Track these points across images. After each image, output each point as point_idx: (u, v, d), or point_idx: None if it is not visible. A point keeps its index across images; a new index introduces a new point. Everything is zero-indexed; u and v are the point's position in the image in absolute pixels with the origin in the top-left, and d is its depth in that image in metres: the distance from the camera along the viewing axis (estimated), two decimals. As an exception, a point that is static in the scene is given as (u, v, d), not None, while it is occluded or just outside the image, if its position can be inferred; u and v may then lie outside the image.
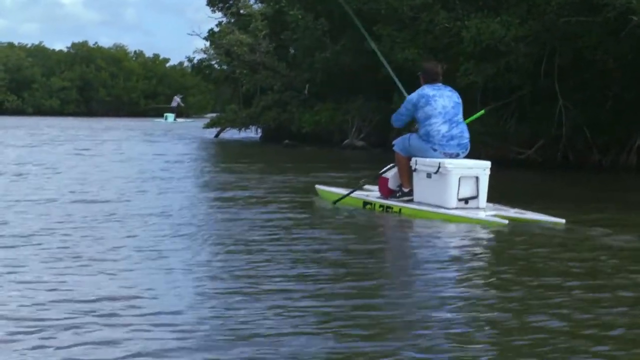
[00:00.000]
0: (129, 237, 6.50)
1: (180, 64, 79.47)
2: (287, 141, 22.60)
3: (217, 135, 28.06)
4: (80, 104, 70.36)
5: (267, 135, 27.88)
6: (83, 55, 72.64)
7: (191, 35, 26.74)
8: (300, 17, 22.48)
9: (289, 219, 7.71)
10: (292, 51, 25.36)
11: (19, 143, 20.98)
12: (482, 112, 9.32)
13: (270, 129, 26.54)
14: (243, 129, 26.69)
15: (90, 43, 75.10)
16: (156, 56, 79.03)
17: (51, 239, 6.24)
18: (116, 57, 73.51)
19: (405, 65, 15.99)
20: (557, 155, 15.65)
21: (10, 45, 71.30)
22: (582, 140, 15.36)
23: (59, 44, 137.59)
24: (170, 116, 47.22)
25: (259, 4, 24.98)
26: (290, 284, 4.92)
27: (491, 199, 8.27)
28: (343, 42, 21.33)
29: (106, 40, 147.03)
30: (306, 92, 23.19)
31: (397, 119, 8.59)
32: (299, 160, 17.69)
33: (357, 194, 8.76)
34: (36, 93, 68.07)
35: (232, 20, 26.44)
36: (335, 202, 8.66)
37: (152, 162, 14.75)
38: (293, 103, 24.27)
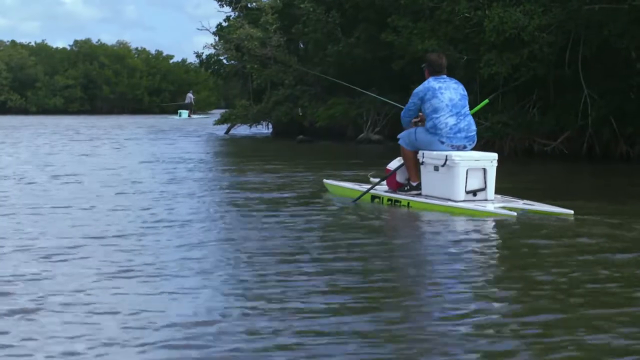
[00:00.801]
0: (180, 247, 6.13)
1: (184, 60, 79.39)
2: (301, 137, 22.23)
3: (227, 132, 27.72)
4: (84, 102, 70.04)
5: (278, 130, 27.57)
6: (86, 52, 72.29)
7: (200, 30, 26.73)
8: (311, 9, 22.11)
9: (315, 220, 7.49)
10: (301, 45, 25.03)
11: (44, 143, 20.69)
12: (486, 101, 9.22)
13: (280, 124, 26.22)
14: (255, 124, 26.32)
15: (92, 40, 74.76)
16: (159, 53, 78.70)
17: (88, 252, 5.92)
18: (119, 54, 73.15)
19: (425, 57, 15.64)
20: (583, 146, 15.28)
21: (13, 43, 70.97)
22: (608, 131, 14.98)
23: (60, 42, 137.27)
24: (184, 113, 47.77)
25: (269, -2, 24.53)
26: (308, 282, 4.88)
27: (514, 191, 8.21)
28: (357, 35, 20.94)
29: (107, 38, 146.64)
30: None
31: (406, 115, 8.53)
32: (317, 156, 17.33)
33: (366, 187, 8.78)
34: (39, 92, 67.74)
35: (241, 15, 26.05)
36: (355, 200, 8.54)
37: (176, 164, 14.30)
38: (305, 97, 23.91)
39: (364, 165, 12.91)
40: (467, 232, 6.81)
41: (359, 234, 6.66)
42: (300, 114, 23.24)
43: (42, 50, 71.52)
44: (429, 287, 4.93)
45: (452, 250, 6.03)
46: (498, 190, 8.13)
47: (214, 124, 27.94)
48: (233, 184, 10.60)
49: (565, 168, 14.01)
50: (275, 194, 9.45)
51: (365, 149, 19.86)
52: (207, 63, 27.87)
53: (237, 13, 27.20)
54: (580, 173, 13.48)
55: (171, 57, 78.50)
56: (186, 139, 23.63)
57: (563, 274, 5.06)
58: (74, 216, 7.54)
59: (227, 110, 29.12)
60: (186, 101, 51.25)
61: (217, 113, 34.27)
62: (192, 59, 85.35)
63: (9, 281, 4.87)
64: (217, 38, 25.94)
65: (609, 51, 14.56)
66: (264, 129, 28.04)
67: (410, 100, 8.38)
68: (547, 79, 15.40)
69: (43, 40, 73.99)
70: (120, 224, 7.03)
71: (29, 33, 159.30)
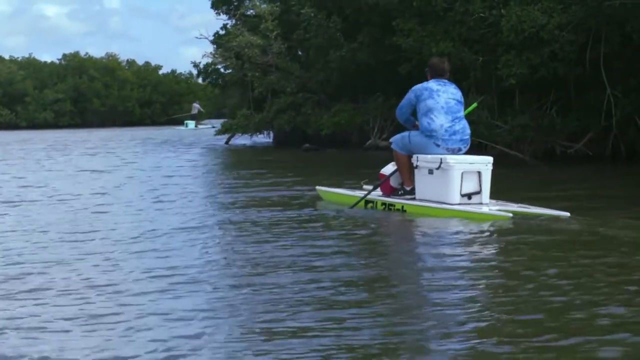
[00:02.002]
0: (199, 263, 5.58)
1: (174, 71, 78.75)
2: (307, 145, 21.63)
3: (227, 142, 27.10)
4: (74, 115, 69.27)
5: (280, 139, 26.96)
6: (75, 66, 71.57)
7: (199, 38, 25.87)
8: (312, 15, 21.52)
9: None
10: (299, 52, 24.42)
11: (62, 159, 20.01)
12: (475, 105, 9.15)
13: (282, 133, 25.64)
14: (256, 134, 25.71)
15: (80, 54, 74.03)
16: (148, 64, 78.03)
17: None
18: (109, 67, 72.46)
19: (428, 61, 15.08)
20: (608, 147, 14.75)
21: (1, 58, 70.14)
22: (633, 130, 14.47)
23: (46, 56, 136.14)
24: (191, 123, 48.21)
25: (267, 4, 23.88)
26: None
27: (535, 196, 8.21)
28: (361, 39, 20.37)
29: (92, 50, 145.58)
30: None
31: (401, 110, 8.51)
32: (327, 165, 16.78)
33: (358, 192, 8.74)
34: (29, 106, 66.92)
35: (237, 22, 25.46)
36: (352, 207, 8.45)
37: (185, 178, 13.69)
38: (308, 105, 23.33)
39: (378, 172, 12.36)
40: (462, 235, 6.74)
41: (353, 240, 6.58)
42: None
43: (30, 65, 70.68)
44: (425, 293, 4.79)
45: (449, 253, 5.95)
46: (526, 199, 7.98)
47: (215, 134, 27.29)
48: (245, 200, 9.78)
49: (594, 170, 13.46)
50: (293, 211, 8.78)
51: (375, 155, 19.23)
52: (205, 72, 27.22)
53: (234, 21, 26.62)
54: (605, 175, 12.97)
55: (160, 67, 77.87)
56: (188, 151, 22.99)
57: (560, 275, 4.98)
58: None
59: (226, 120, 28.47)
60: (192, 112, 51.79)
61: (216, 123, 33.75)
62: (181, 69, 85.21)
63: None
64: (215, 47, 25.28)
65: (631, 48, 14.06)
66: (264, 137, 27.42)
67: (406, 96, 8.37)
68: (568, 79, 14.86)
69: (30, 54, 73.10)
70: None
71: (13, 48, 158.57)
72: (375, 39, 20.23)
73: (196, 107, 51.66)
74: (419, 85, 8.30)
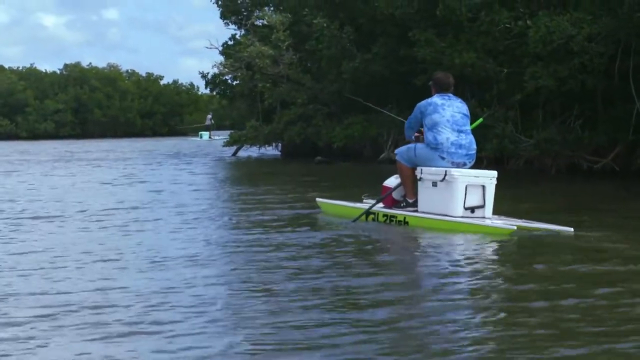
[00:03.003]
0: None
1: (175, 82, 78.47)
2: (319, 158, 21.17)
3: (234, 154, 26.65)
4: (75, 126, 68.92)
5: (288, 151, 26.52)
6: (76, 76, 71.26)
7: (209, 48, 25.37)
8: (325, 25, 21.11)
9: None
10: (308, 64, 23.98)
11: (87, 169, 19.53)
12: (481, 120, 9.11)
13: (290, 145, 25.21)
14: (265, 146, 25.26)
15: (82, 64, 73.73)
16: (150, 74, 77.77)
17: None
18: (110, 77, 72.16)
19: (465, 72, 14.69)
20: (635, 162, 14.31)
21: (1, 68, 69.76)
22: (663, 145, 14.05)
23: (44, 66, 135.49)
24: (205, 134, 49.20)
25: (277, 14, 23.43)
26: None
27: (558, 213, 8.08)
28: (376, 50, 19.96)
29: (91, 61, 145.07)
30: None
31: (408, 128, 8.52)
32: (342, 178, 16.30)
33: (359, 205, 8.67)
34: (30, 117, 66.54)
35: (247, 33, 25.03)
36: (354, 220, 8.32)
37: (202, 192, 13.22)
38: (318, 117, 22.90)
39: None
40: (465, 248, 6.71)
41: (356, 252, 6.50)
42: None
43: (31, 75, 70.35)
44: (428, 306, 4.69)
45: (452, 266, 5.89)
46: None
47: (223, 146, 26.84)
48: (258, 220, 9.27)
49: (617, 186, 12.97)
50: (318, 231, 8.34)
51: (389, 169, 18.63)
52: (213, 83, 26.77)
53: (242, 31, 26.22)
54: (631, 191, 12.49)
55: (161, 78, 77.60)
56: (197, 163, 22.53)
57: (562, 290, 4.94)
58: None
59: (233, 131, 28.03)
60: (206, 123, 52.90)
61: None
62: (180, 80, 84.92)
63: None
64: (224, 57, 24.82)
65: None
66: (273, 149, 26.96)
67: (412, 114, 8.36)
68: (595, 91, 14.44)
69: (32, 64, 72.70)
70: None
71: (10, 58, 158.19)
72: (390, 50, 19.83)
73: (209, 118, 52.61)
74: (423, 102, 8.26)
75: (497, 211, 7.96)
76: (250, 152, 27.13)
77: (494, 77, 14.78)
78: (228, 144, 25.84)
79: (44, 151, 33.87)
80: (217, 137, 46.89)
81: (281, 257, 6.20)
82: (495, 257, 6.42)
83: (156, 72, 79.02)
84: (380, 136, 21.01)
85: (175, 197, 11.58)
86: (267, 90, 22.92)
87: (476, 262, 6.07)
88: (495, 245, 6.84)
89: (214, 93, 28.27)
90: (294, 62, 22.50)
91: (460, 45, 15.16)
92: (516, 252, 6.57)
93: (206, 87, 27.05)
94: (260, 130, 24.10)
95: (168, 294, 4.99)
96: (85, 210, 9.85)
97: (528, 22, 14.00)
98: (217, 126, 53.07)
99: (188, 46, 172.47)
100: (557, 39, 13.19)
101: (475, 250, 6.68)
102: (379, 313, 4.44)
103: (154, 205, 10.34)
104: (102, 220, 8.82)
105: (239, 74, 23.54)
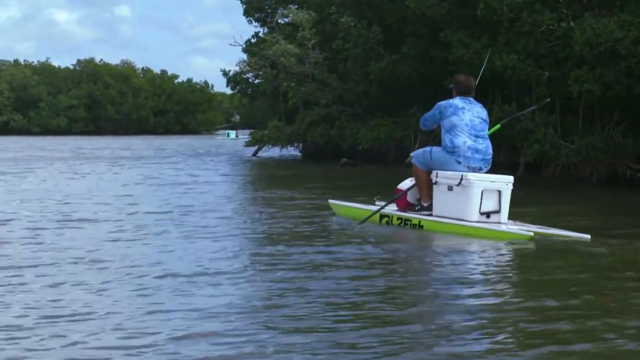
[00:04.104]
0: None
1: (189, 80, 78.11)
2: (344, 160, 20.68)
3: (255, 154, 26.20)
4: (88, 122, 68.72)
5: (308, 152, 26.07)
6: (90, 72, 71.05)
7: (233, 45, 24.94)
8: (352, 24, 20.64)
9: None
10: (321, 59, 23.46)
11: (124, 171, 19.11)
12: (499, 126, 8.89)
13: (311, 146, 24.76)
14: (287, 146, 24.79)
15: (95, 60, 73.46)
16: (164, 72, 77.46)
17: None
18: (124, 74, 71.91)
19: (505, 75, 14.20)
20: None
21: (16, 63, 69.56)
22: None
23: (55, 62, 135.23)
24: (232, 133, 51.39)
25: (302, 12, 22.94)
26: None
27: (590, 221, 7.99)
28: (405, 50, 19.49)
29: (102, 57, 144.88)
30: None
31: (424, 121, 8.53)
32: (375, 183, 15.79)
33: (372, 207, 8.54)
34: (42, 112, 66.35)
35: (271, 31, 24.58)
36: (360, 223, 8.22)
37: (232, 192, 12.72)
38: (343, 118, 22.42)
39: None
40: (482, 253, 6.65)
41: (372, 255, 6.39)
42: None
43: (45, 70, 70.14)
44: (443, 312, 4.55)
45: (469, 272, 5.81)
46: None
47: (245, 146, 26.40)
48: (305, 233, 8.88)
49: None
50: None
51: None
52: (235, 81, 26.33)
53: (265, 29, 25.77)
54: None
55: (176, 76, 77.30)
56: (222, 163, 22.09)
57: (579, 296, 4.91)
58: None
59: (253, 130, 27.59)
60: (233, 121, 56.10)
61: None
62: (197, 79, 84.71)
63: None
64: (247, 55, 24.37)
65: None
66: (294, 150, 26.50)
67: (429, 112, 8.35)
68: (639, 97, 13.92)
69: (47, 59, 72.51)
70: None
71: (23, 53, 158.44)
72: (419, 50, 19.37)
73: (236, 117, 55.36)
74: (443, 102, 8.22)
75: (539, 219, 7.83)
76: (270, 152, 26.71)
77: (535, 81, 14.28)
78: (249, 143, 25.35)
79: (68, 149, 33.50)
80: (242, 137, 47.52)
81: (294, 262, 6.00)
82: (514, 264, 6.35)
83: (166, 70, 78.67)
84: (406, 138, 20.51)
85: (205, 205, 11.11)
86: (291, 89, 22.45)
87: (496, 268, 6.02)
88: (513, 252, 6.78)
89: (235, 91, 27.81)
90: (319, 62, 22.02)
91: (498, 46, 14.67)
92: (534, 259, 6.43)
93: (227, 85, 26.62)
94: (283, 131, 23.64)
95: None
96: (133, 214, 9.41)
97: (571, 23, 13.50)
98: (242, 125, 54.74)
99: (198, 45, 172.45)
100: (603, 41, 12.68)
101: (493, 256, 6.58)
102: (392, 317, 4.37)
103: (192, 212, 9.78)
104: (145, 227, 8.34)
105: (263, 72, 23.03)
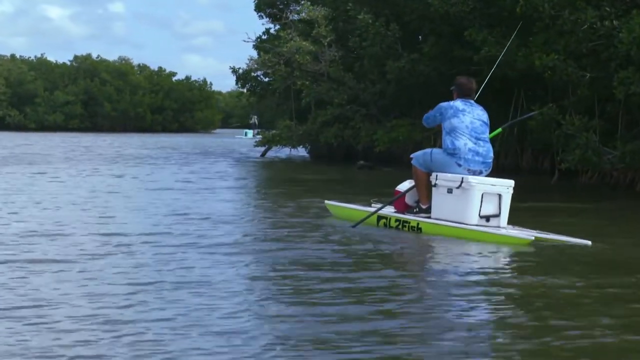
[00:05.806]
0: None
1: (187, 78, 77.25)
2: (361, 162, 19.90)
3: (263, 154, 25.41)
4: (84, 118, 67.82)
5: (316, 153, 25.30)
6: (86, 68, 70.14)
7: (246, 42, 24.13)
8: (370, 21, 19.86)
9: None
10: (337, 57, 22.67)
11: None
12: (499, 130, 8.91)
13: (319, 147, 23.99)
14: (297, 147, 23.98)
15: (92, 56, 72.56)
16: (161, 69, 76.61)
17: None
18: (121, 71, 71.00)
19: (544, 75, 13.45)
20: None
21: (12, 58, 68.59)
22: None
23: (49, 58, 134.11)
24: (250, 132, 53.02)
25: (316, 8, 22.11)
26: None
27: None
28: (426, 49, 18.74)
29: (97, 53, 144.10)
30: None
31: (426, 119, 8.51)
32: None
33: (368, 208, 8.46)
34: (39, 108, 65.40)
35: (285, 27, 23.76)
36: (355, 225, 8.06)
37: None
38: (357, 118, 21.64)
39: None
40: (481, 257, 6.54)
41: (366, 258, 6.28)
42: None
43: (41, 65, 69.17)
44: (441, 319, 4.46)
45: (468, 276, 5.72)
46: None
47: (255, 146, 25.58)
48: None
49: None
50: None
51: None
52: (244, 79, 25.52)
53: (276, 26, 24.97)
54: None
55: (174, 74, 76.49)
56: (226, 162, 21.30)
57: (581, 304, 4.84)
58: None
59: (261, 129, 26.82)
60: (251, 122, 57.62)
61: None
62: (195, 77, 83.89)
63: None
64: (258, 52, 23.56)
65: None
66: (302, 151, 25.71)
67: (431, 112, 8.31)
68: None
69: (43, 54, 71.59)
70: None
71: (16, 48, 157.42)
72: (441, 50, 18.63)
73: (254, 118, 56.67)
74: (444, 103, 8.20)
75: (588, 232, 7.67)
76: (279, 153, 25.93)
77: (576, 83, 13.54)
78: (260, 143, 24.48)
79: (81, 148, 32.66)
80: (259, 137, 48.00)
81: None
82: (515, 267, 6.28)
83: (163, 67, 77.82)
84: (426, 140, 19.76)
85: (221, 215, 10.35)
86: (305, 87, 21.62)
87: (498, 272, 6.02)
88: (514, 255, 6.72)
89: (245, 90, 27.01)
90: (335, 60, 21.22)
91: (534, 45, 13.95)
92: (534, 263, 6.33)
93: (237, 83, 25.82)
94: (295, 131, 22.82)
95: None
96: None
97: (615, 22, 12.76)
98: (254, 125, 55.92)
99: (192, 42, 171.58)
100: (653, 41, 11.94)
101: (495, 260, 6.55)
102: (390, 321, 4.31)
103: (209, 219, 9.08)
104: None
105: (275, 70, 22.18)
